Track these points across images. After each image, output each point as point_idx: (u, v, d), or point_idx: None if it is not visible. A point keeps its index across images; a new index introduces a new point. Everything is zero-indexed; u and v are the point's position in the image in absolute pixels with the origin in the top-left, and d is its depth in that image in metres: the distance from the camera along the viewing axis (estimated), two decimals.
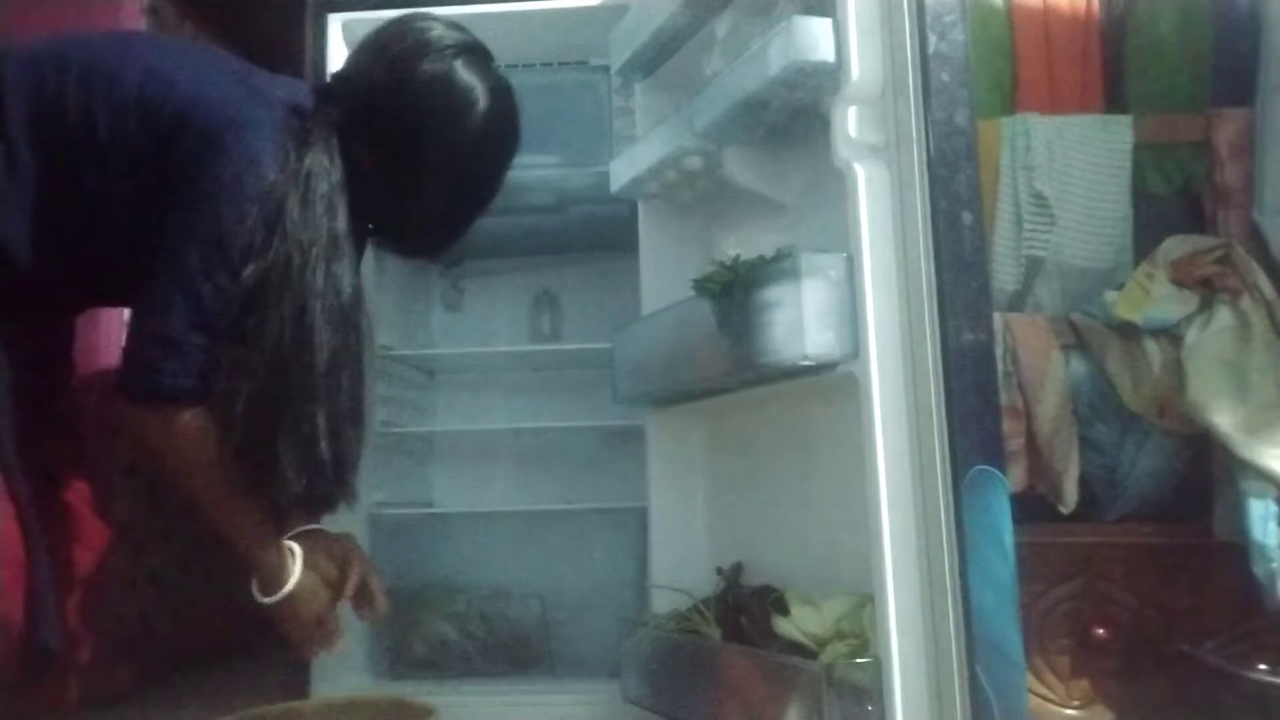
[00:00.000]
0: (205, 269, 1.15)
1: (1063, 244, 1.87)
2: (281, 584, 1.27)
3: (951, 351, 1.26)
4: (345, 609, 1.37)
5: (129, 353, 1.20)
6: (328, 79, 1.39)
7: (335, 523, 1.90)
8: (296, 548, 1.30)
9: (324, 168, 1.21)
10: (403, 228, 1.42)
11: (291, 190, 1.18)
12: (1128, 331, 1.74)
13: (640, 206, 1.91)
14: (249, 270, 1.16)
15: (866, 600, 1.29)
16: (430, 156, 1.29)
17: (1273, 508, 1.59)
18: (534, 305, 2.41)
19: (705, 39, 1.71)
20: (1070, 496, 1.71)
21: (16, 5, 1.94)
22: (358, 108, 1.28)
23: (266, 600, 1.28)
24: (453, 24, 1.33)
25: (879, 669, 1.23)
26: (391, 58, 1.28)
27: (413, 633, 2.04)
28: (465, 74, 1.28)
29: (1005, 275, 1.88)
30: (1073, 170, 1.88)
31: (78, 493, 1.36)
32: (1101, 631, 1.71)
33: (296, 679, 1.82)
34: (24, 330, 1.26)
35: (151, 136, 1.18)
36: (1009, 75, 1.99)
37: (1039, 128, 1.89)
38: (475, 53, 1.32)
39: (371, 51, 1.31)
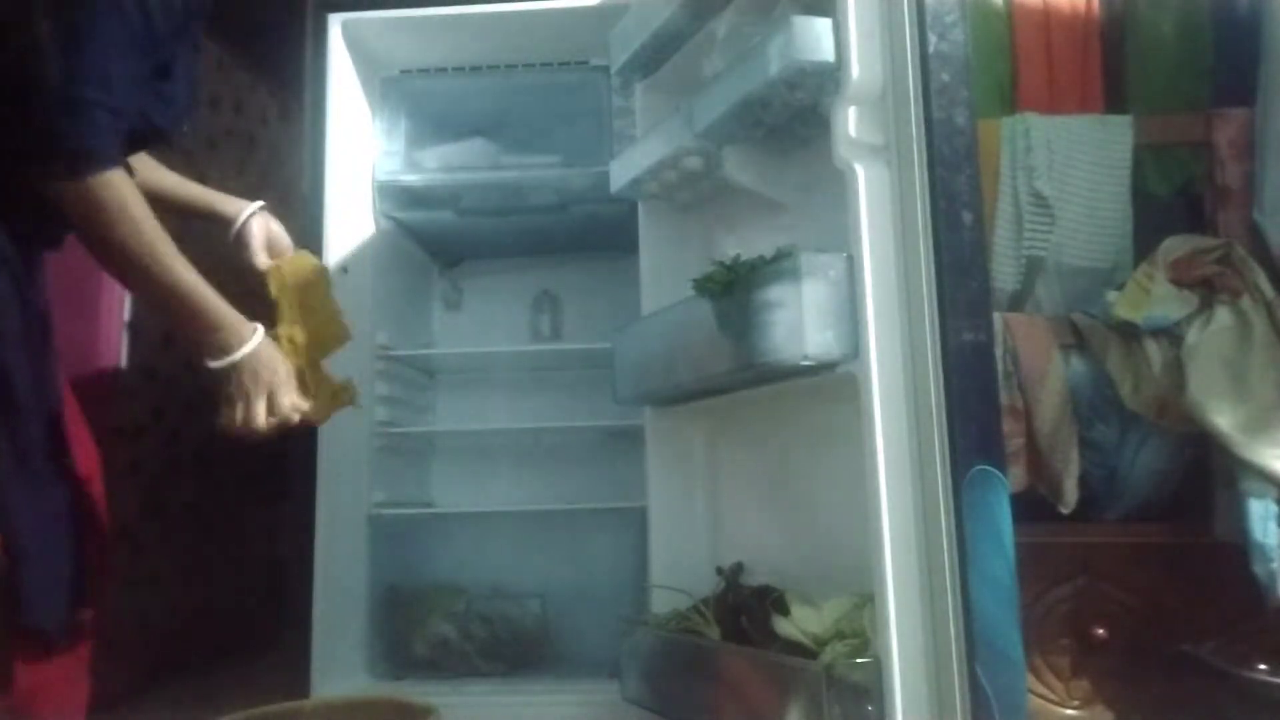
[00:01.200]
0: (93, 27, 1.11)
1: (1063, 244, 1.87)
2: (243, 339, 1.23)
3: (951, 351, 1.25)
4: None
5: (42, 134, 1.14)
6: None
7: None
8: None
9: None
10: None
11: None
12: (1128, 331, 1.74)
13: (640, 206, 1.91)
14: None
15: (866, 600, 1.29)
16: None
17: (1273, 508, 1.60)
18: (534, 305, 2.41)
19: (705, 39, 1.71)
20: (1070, 496, 1.71)
21: None
22: None
23: (225, 361, 1.22)
24: None
25: (879, 669, 1.23)
26: None
27: (413, 633, 2.04)
28: None
29: (1005, 275, 1.88)
30: (1073, 170, 1.88)
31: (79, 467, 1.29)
32: (1101, 631, 1.71)
33: (296, 679, 1.82)
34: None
35: None
36: (1009, 75, 1.99)
37: (1039, 128, 1.89)
38: None
39: None
